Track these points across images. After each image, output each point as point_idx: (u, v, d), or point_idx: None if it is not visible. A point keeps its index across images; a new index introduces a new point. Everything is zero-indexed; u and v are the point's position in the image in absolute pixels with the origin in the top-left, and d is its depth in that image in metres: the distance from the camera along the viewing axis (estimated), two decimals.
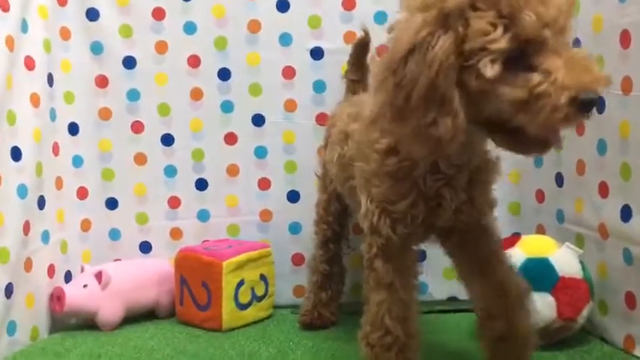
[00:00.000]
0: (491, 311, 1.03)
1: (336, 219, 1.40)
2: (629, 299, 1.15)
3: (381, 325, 0.99)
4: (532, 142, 0.83)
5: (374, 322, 1.00)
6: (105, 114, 1.53)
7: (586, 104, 0.77)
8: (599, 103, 0.78)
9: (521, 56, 0.79)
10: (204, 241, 1.53)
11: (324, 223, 1.41)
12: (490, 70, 0.78)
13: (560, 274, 1.18)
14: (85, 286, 1.38)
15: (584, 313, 1.19)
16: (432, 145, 0.83)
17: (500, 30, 0.77)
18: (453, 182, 0.95)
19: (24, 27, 1.32)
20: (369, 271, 1.01)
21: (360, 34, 1.45)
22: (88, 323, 1.40)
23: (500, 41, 0.77)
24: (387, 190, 0.96)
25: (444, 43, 0.79)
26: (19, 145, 1.29)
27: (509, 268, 1.05)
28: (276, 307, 1.51)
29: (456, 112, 0.80)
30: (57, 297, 1.36)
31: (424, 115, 0.81)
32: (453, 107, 0.80)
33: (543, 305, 1.16)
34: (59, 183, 1.45)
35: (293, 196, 1.55)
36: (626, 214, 1.14)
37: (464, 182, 0.96)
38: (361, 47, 1.43)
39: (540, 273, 1.18)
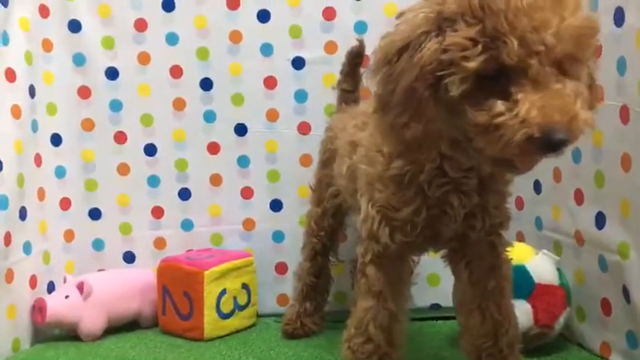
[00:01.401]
0: (481, 353, 1.00)
1: (327, 233, 1.40)
2: (605, 306, 1.16)
3: (364, 332, 0.99)
4: (500, 164, 0.80)
5: (358, 327, 0.99)
6: (88, 125, 1.54)
7: (547, 145, 0.71)
8: (567, 145, 0.71)
9: (501, 78, 0.74)
10: (187, 251, 1.54)
11: (314, 237, 1.40)
12: (456, 88, 0.75)
13: (537, 281, 1.19)
14: (66, 296, 1.38)
15: (561, 320, 1.20)
16: (402, 146, 0.82)
17: (477, 49, 0.73)
18: (461, 187, 0.92)
19: (4, 39, 1.33)
20: (360, 276, 1.01)
21: (341, 43, 1.47)
22: (70, 334, 1.40)
23: (473, 61, 0.73)
24: (390, 196, 0.94)
25: (431, 46, 0.76)
26: None
27: (510, 308, 1.02)
28: (259, 315, 1.52)
29: (428, 119, 0.79)
30: (39, 308, 1.37)
31: (400, 114, 0.80)
32: (425, 114, 0.79)
33: (520, 313, 1.15)
34: (41, 194, 1.46)
35: (276, 205, 1.56)
36: (600, 221, 1.15)
37: (474, 187, 0.93)
38: (355, 57, 1.42)
39: (517, 280, 1.17)
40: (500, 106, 0.74)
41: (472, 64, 0.73)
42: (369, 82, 0.85)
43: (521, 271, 1.19)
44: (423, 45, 0.77)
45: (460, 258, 1.03)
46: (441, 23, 0.77)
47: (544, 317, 1.18)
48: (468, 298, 1.02)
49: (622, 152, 1.08)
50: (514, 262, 1.19)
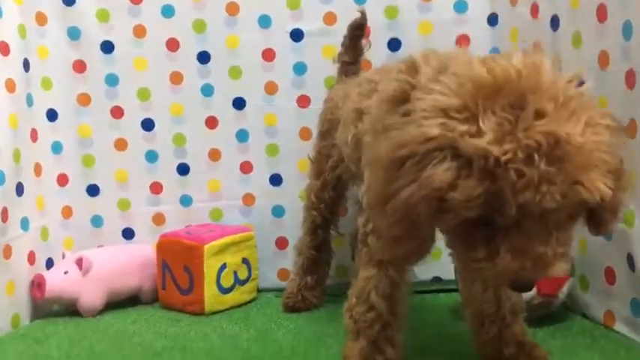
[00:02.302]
0: (484, 319, 1.00)
1: (328, 206, 1.38)
2: (609, 274, 1.15)
3: (365, 300, 0.98)
4: None
5: (359, 295, 0.99)
6: (84, 100, 1.52)
7: (517, 288, 0.77)
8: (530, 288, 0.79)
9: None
10: (187, 226, 1.53)
11: (314, 210, 1.38)
12: (445, 224, 0.74)
13: None
14: (65, 272, 1.37)
15: (565, 289, 1.19)
16: (392, 254, 0.83)
17: (479, 201, 0.69)
18: None
19: None
20: (362, 246, 1.00)
21: (341, 14, 1.45)
22: (70, 310, 1.39)
23: (471, 211, 0.70)
24: None
25: (445, 172, 0.70)
26: None
27: None
28: (260, 290, 1.51)
29: (422, 240, 0.78)
30: (37, 284, 1.36)
31: (394, 226, 0.76)
32: (421, 234, 0.77)
33: None
34: (38, 169, 1.44)
35: (275, 180, 1.55)
36: None
37: None
38: (356, 29, 1.40)
39: None
40: (481, 252, 0.74)
41: (469, 214, 0.70)
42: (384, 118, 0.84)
43: None
44: (434, 164, 0.71)
45: None
46: (454, 143, 0.70)
47: (547, 286, 1.17)
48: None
49: (628, 119, 1.06)
50: None
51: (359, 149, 1.08)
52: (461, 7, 1.48)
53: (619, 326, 1.14)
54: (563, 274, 0.78)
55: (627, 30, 1.05)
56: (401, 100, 0.85)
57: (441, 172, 0.70)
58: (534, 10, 1.35)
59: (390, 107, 0.87)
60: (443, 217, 0.72)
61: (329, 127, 1.32)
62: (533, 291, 1.16)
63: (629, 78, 1.06)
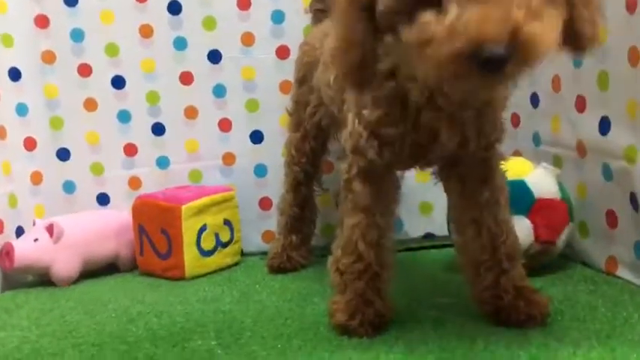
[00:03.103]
0: (479, 267, 0.94)
1: (310, 160, 1.31)
2: (611, 218, 1.09)
3: (353, 250, 0.92)
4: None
5: (346, 246, 0.93)
6: (48, 57, 1.42)
7: (478, 62, 0.63)
8: (504, 62, 0.62)
9: None
10: (165, 190, 1.44)
11: (295, 165, 1.32)
12: (382, 2, 0.72)
13: (537, 195, 1.11)
14: (35, 240, 1.30)
15: (564, 235, 1.13)
16: (345, 70, 0.80)
17: None
18: (454, 121, 0.86)
19: None
20: (346, 193, 0.94)
21: None
22: (43, 279, 1.32)
23: None
24: (382, 114, 0.88)
25: None
26: None
27: (508, 220, 0.95)
28: (244, 254, 1.44)
29: (360, 42, 0.78)
30: (6, 253, 1.28)
31: (338, 38, 0.79)
32: (358, 38, 0.77)
33: (520, 229, 1.07)
34: (2, 133, 1.35)
35: (256, 137, 1.47)
36: (604, 126, 1.07)
37: (471, 118, 0.87)
38: None
39: (516, 195, 1.09)
40: (427, 16, 0.66)
41: None
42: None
43: (520, 186, 1.11)
44: None
45: (452, 173, 0.97)
46: None
47: (545, 233, 1.10)
48: (462, 212, 0.96)
49: (629, 46, 0.98)
50: (512, 177, 1.11)
51: (342, 91, 1.02)
52: None
53: (622, 272, 1.07)
54: (540, 37, 0.64)
55: None
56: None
57: None
58: None
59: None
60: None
61: (305, 72, 1.26)
62: (531, 238, 1.10)
63: (630, 1, 0.97)
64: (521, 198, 1.11)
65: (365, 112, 0.90)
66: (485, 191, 0.93)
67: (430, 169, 1.01)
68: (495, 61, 0.63)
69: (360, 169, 0.92)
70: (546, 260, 1.14)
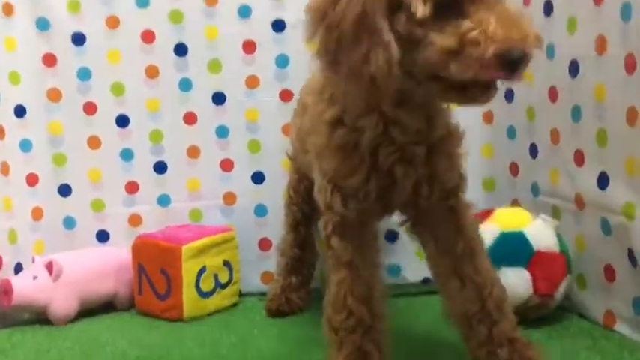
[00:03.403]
0: (470, 320, 0.94)
1: (306, 201, 1.32)
2: (608, 272, 1.10)
3: (343, 306, 0.93)
4: (470, 88, 0.79)
5: (335, 302, 0.94)
6: (54, 95, 1.44)
7: (511, 62, 0.74)
8: (526, 63, 0.74)
9: (454, 4, 0.76)
10: (165, 228, 1.45)
11: (293, 205, 1.34)
12: (421, 9, 0.75)
13: (536, 247, 1.12)
14: (34, 277, 1.30)
15: (562, 288, 1.14)
16: (367, 84, 0.78)
17: None
18: (408, 157, 0.88)
19: None
20: (327, 249, 0.96)
21: None
22: (40, 317, 1.32)
23: None
24: (338, 165, 0.91)
25: None
26: None
27: (488, 267, 0.95)
28: (242, 294, 1.44)
29: (387, 43, 0.77)
30: (4, 290, 1.28)
31: (355, 51, 0.78)
32: (383, 38, 0.77)
33: (519, 281, 1.11)
34: (5, 169, 1.37)
35: (258, 178, 1.48)
36: (602, 181, 1.09)
37: (422, 156, 0.89)
38: None
39: (515, 247, 1.12)
40: (467, 24, 0.75)
41: None
42: (309, 46, 0.85)
43: (519, 238, 1.13)
44: None
45: (422, 227, 0.99)
46: None
47: (544, 286, 1.11)
48: (442, 266, 0.97)
49: (627, 106, 1.01)
50: (511, 228, 1.13)
51: (303, 143, 1.07)
52: None
53: (620, 326, 1.08)
54: (539, 38, 0.77)
55: (626, 11, 1.00)
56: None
57: None
58: None
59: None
60: (414, 8, 0.75)
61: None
62: (530, 291, 1.11)
63: (629, 63, 1.00)
64: (520, 250, 1.12)
65: (324, 165, 0.93)
66: (459, 242, 0.94)
67: (403, 219, 1.02)
68: (520, 62, 0.74)
69: (335, 225, 0.94)
70: (544, 312, 1.14)
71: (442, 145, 0.91)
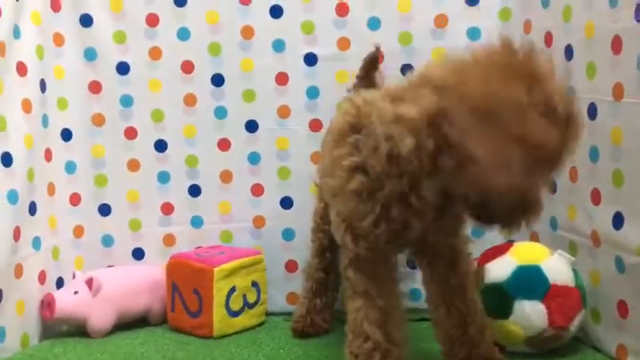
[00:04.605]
0: (454, 342, 1.07)
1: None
2: (622, 308, 1.14)
3: (360, 332, 0.99)
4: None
5: (354, 329, 1.00)
6: (98, 120, 1.53)
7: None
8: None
9: None
10: (197, 248, 1.53)
11: (320, 232, 1.39)
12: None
13: (552, 281, 1.17)
14: (75, 292, 1.38)
15: (576, 321, 1.18)
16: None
17: None
18: (420, 213, 0.95)
19: (16, 33, 1.33)
20: (345, 280, 1.03)
21: (354, 39, 1.48)
22: (79, 330, 1.39)
23: None
24: (352, 208, 0.97)
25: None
26: (9, 151, 1.29)
27: (474, 301, 1.08)
28: (268, 314, 1.50)
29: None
30: (47, 303, 1.36)
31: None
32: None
33: (534, 314, 1.15)
34: (51, 189, 1.45)
35: (286, 203, 1.55)
36: (618, 221, 1.13)
37: (433, 213, 0.96)
38: (371, 62, 1.41)
39: (531, 280, 1.17)
40: None
41: None
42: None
43: (536, 272, 1.18)
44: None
45: (422, 258, 1.09)
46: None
47: (559, 319, 1.16)
48: (434, 294, 1.09)
49: None
50: (528, 262, 1.18)
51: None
52: (474, 34, 1.48)
53: None
54: None
55: None
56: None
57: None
58: (548, 39, 1.35)
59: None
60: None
61: None
62: (545, 324, 1.16)
63: None
64: (537, 283, 1.17)
65: (338, 206, 1.00)
66: (452, 277, 1.06)
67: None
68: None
69: (350, 259, 1.01)
70: (558, 344, 1.18)
71: (450, 205, 0.96)
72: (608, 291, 1.17)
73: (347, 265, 1.01)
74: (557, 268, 1.19)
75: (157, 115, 1.54)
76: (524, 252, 1.22)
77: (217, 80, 1.53)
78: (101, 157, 1.54)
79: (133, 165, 1.55)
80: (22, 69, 1.34)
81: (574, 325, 1.18)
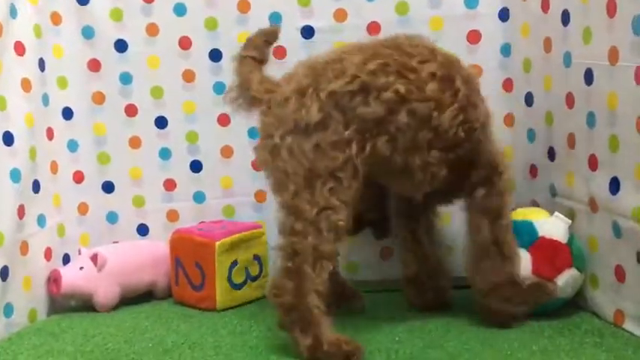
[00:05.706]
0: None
1: None
2: (619, 273, 1.14)
3: None
4: None
5: None
6: (98, 98, 1.54)
7: None
8: None
9: None
10: (199, 223, 1.54)
11: None
12: None
13: (541, 234, 1.21)
14: (81, 268, 1.40)
15: (564, 277, 1.19)
16: None
17: None
18: None
19: (13, 12, 1.33)
20: None
21: (351, 10, 1.48)
22: (85, 305, 1.42)
23: None
24: None
25: None
26: (10, 130, 1.30)
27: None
28: None
29: None
30: (54, 279, 1.39)
31: None
32: None
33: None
34: (54, 167, 1.47)
35: None
36: (614, 186, 1.13)
37: None
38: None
39: (521, 231, 1.21)
40: None
41: None
42: None
43: (527, 225, 1.23)
44: None
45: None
46: None
47: (543, 268, 1.19)
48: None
49: (637, 115, 1.05)
50: (522, 218, 1.23)
51: None
52: (472, 2, 1.47)
53: (628, 325, 1.13)
54: None
55: (637, 24, 1.04)
56: None
57: None
58: (545, 5, 1.33)
59: None
60: None
61: None
62: (528, 270, 1.19)
63: (639, 74, 1.04)
64: (526, 235, 1.22)
65: None
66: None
67: None
68: None
69: None
70: (546, 300, 1.19)
71: None
72: (605, 256, 1.18)
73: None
74: (550, 225, 1.22)
75: (157, 92, 1.55)
76: (523, 213, 1.26)
77: (215, 55, 1.53)
78: (103, 135, 1.55)
79: (135, 142, 1.56)
80: (19, 48, 1.35)
81: (563, 280, 1.19)
